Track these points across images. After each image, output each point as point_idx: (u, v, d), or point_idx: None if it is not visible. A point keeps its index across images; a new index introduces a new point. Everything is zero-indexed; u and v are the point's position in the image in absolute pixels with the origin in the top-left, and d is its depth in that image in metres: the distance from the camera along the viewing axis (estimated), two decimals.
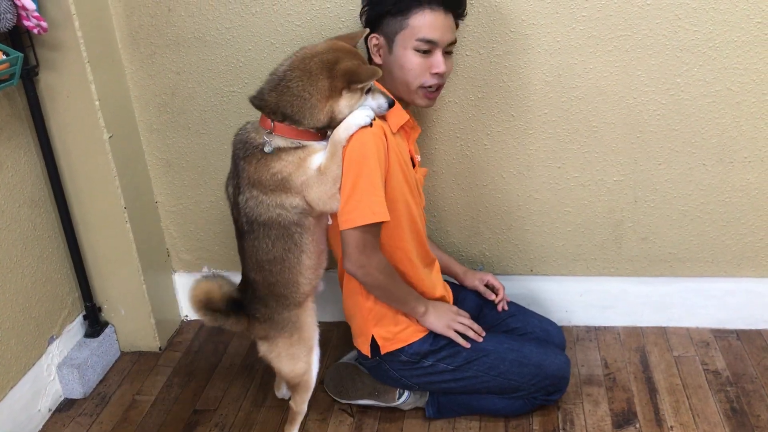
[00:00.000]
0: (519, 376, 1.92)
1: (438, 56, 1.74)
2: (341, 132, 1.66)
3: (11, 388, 2.00)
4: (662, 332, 2.32)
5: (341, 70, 1.62)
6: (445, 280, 2.13)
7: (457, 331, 1.90)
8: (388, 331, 1.90)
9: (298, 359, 1.86)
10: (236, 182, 1.72)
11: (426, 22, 1.71)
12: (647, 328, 2.34)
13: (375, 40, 1.79)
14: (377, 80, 1.79)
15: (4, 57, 1.72)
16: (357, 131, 1.65)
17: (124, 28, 2.13)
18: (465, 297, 2.12)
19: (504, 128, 2.12)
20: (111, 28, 2.12)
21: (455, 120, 2.12)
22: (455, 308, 1.95)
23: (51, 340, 2.17)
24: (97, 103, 2.05)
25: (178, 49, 2.15)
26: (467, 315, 1.95)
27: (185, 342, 2.48)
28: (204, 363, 2.36)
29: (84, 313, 2.32)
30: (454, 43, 1.77)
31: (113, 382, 2.30)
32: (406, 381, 1.96)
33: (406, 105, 1.86)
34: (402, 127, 1.84)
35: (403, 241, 1.83)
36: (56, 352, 2.20)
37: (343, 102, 1.65)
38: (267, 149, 1.66)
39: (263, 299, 1.81)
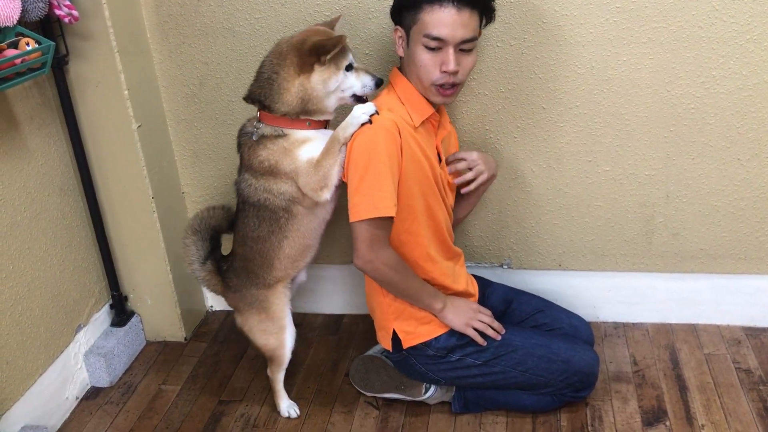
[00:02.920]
0: (547, 372, 1.89)
1: (448, 54, 1.69)
2: (340, 131, 1.70)
3: (40, 375, 2.01)
4: (692, 329, 2.29)
5: (308, 45, 1.67)
6: (472, 275, 2.11)
7: (476, 330, 1.88)
8: (410, 325, 1.89)
9: (269, 335, 1.97)
10: (239, 165, 1.85)
11: (434, 19, 1.67)
12: (677, 325, 2.31)
13: (398, 32, 1.77)
14: (399, 69, 1.79)
15: (36, 45, 1.71)
16: (366, 126, 1.66)
17: (153, 18, 2.13)
18: (493, 291, 2.10)
19: (534, 121, 2.09)
20: (140, 17, 2.12)
21: (484, 112, 2.10)
22: (475, 305, 1.92)
23: (78, 328, 2.18)
24: (126, 92, 2.05)
25: (206, 39, 2.14)
26: (488, 312, 1.92)
27: (210, 332, 2.49)
28: (229, 353, 2.36)
29: (111, 302, 2.33)
30: (472, 40, 1.71)
31: (139, 372, 2.31)
32: (433, 375, 1.95)
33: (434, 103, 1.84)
34: (428, 120, 1.83)
35: (420, 236, 1.81)
36: (83, 340, 2.21)
37: (315, 78, 1.68)
38: (254, 137, 1.77)
39: (236, 271, 1.95)
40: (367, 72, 1.76)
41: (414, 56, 1.74)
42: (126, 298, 2.37)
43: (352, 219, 1.69)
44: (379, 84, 1.77)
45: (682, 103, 2.00)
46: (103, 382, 2.24)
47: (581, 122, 2.07)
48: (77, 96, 2.07)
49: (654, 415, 1.96)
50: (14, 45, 1.70)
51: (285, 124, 1.75)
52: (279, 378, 2.05)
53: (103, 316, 2.31)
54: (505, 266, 2.33)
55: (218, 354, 2.37)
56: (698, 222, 2.15)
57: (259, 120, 1.79)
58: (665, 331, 2.29)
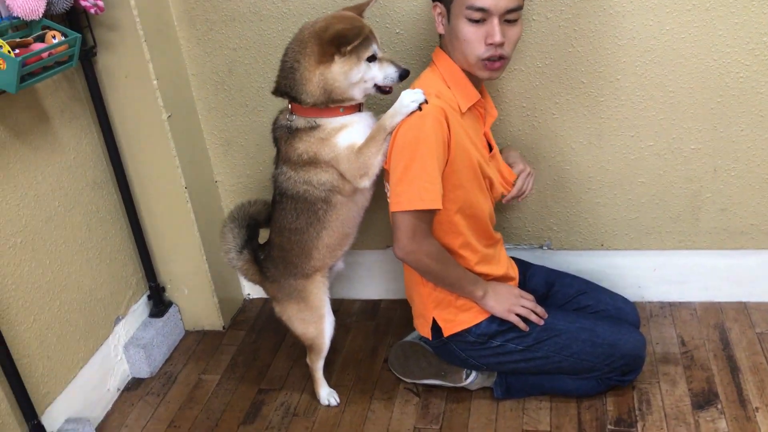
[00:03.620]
0: (592, 356, 1.84)
1: (493, 25, 1.61)
2: (387, 119, 1.65)
3: (81, 368, 2.02)
4: (743, 308, 2.20)
5: (329, 34, 1.60)
6: (512, 257, 2.06)
7: (519, 315, 1.82)
8: (450, 313, 1.84)
9: (308, 324, 1.96)
10: (276, 157, 1.81)
11: None
12: (726, 303, 2.22)
13: (438, 8, 1.71)
14: (443, 50, 1.72)
15: (63, 38, 1.69)
16: (415, 113, 1.60)
17: (179, 6, 2.09)
18: (534, 274, 2.05)
19: (573, 96, 2.01)
20: (166, 5, 2.09)
21: (521, 88, 2.03)
22: (517, 290, 1.87)
23: (117, 320, 2.19)
24: (155, 82, 2.03)
25: (234, 25, 2.10)
26: (530, 297, 1.87)
27: (248, 320, 2.48)
28: (267, 342, 2.35)
29: (148, 293, 2.33)
30: (517, 9, 1.63)
31: (179, 362, 2.31)
32: (474, 362, 1.90)
33: (478, 83, 1.77)
34: (474, 107, 1.76)
35: (461, 225, 1.76)
36: (122, 332, 2.21)
37: (336, 68, 1.62)
38: (289, 132, 1.73)
39: (274, 261, 1.93)
40: (392, 62, 1.68)
41: (457, 31, 1.67)
42: (163, 289, 2.37)
43: (393, 208, 1.64)
44: (403, 76, 1.68)
45: (729, 72, 1.90)
46: (144, 372, 2.24)
47: (623, 96, 1.98)
48: (107, 88, 2.05)
49: (704, 397, 1.89)
50: (41, 39, 1.68)
51: (317, 113, 1.69)
52: (318, 366, 2.03)
53: (141, 308, 2.31)
54: (545, 247, 2.27)
55: (256, 342, 2.36)
56: (748, 196, 2.06)
57: (291, 112, 1.74)
58: (714, 310, 2.21)
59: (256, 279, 2.01)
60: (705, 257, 2.17)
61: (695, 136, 2.00)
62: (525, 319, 1.84)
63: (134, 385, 2.23)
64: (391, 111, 1.63)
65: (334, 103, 1.69)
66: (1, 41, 1.52)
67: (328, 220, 1.80)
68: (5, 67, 1.53)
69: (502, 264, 1.93)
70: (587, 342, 1.84)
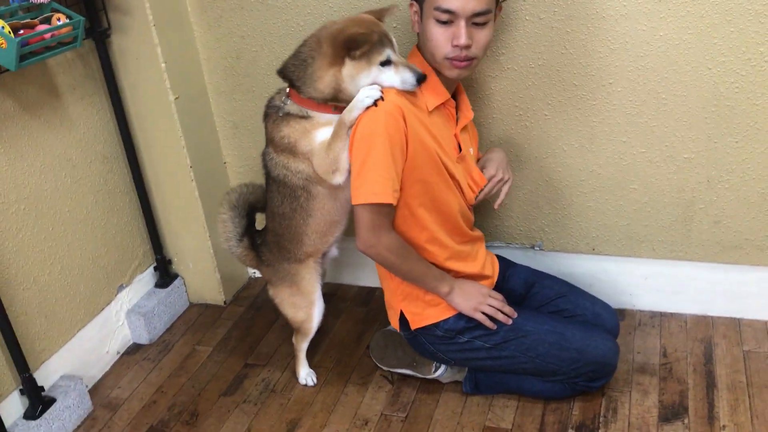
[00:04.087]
0: (558, 360, 1.84)
1: (459, 27, 1.63)
2: (346, 113, 1.68)
3: (79, 329, 2.16)
4: (735, 324, 2.14)
5: (342, 37, 1.64)
6: (498, 256, 2.07)
7: (485, 314, 1.84)
8: (418, 306, 1.88)
9: (298, 308, 2.02)
10: (265, 136, 1.86)
11: None
12: (718, 318, 2.17)
13: (414, 7, 1.74)
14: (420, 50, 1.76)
15: (67, 20, 1.81)
16: (371, 109, 1.64)
17: None
18: (514, 273, 2.05)
19: (565, 98, 2.00)
20: None
21: (514, 88, 2.03)
22: (485, 289, 1.88)
23: (120, 288, 2.32)
24: (163, 65, 2.13)
25: (242, 13, 2.18)
26: (499, 297, 1.88)
27: (250, 297, 2.58)
28: (263, 319, 2.44)
29: (155, 264, 2.45)
30: (485, 13, 1.64)
31: (178, 332, 2.43)
32: (442, 356, 1.94)
33: (452, 84, 1.80)
34: (444, 107, 1.79)
35: (426, 221, 1.79)
36: (126, 299, 2.35)
37: (346, 71, 1.66)
38: (280, 113, 1.77)
39: (269, 245, 1.99)
40: (409, 67, 1.68)
41: (426, 31, 1.70)
42: (170, 262, 2.49)
43: (353, 202, 1.69)
44: (421, 80, 1.68)
45: (724, 82, 1.85)
46: (143, 339, 2.37)
47: (615, 100, 1.96)
48: (120, 68, 2.17)
49: (673, 410, 1.86)
50: (47, 20, 1.80)
51: (311, 106, 1.74)
52: (302, 348, 2.10)
53: (147, 278, 2.44)
54: (536, 248, 2.26)
55: (253, 319, 2.46)
56: (742, 210, 2.00)
57: (288, 96, 1.79)
58: (705, 324, 2.16)
59: (254, 264, 2.09)
60: (698, 269, 2.13)
61: (688, 145, 1.96)
62: (493, 319, 1.85)
63: (133, 349, 2.36)
64: (348, 106, 1.67)
65: (334, 101, 1.72)
66: (2, 22, 1.64)
67: (312, 208, 1.86)
68: (6, 46, 1.65)
69: (478, 262, 1.95)
70: (554, 345, 1.84)
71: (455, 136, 1.83)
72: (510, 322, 1.86)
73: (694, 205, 2.04)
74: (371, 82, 1.68)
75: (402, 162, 1.68)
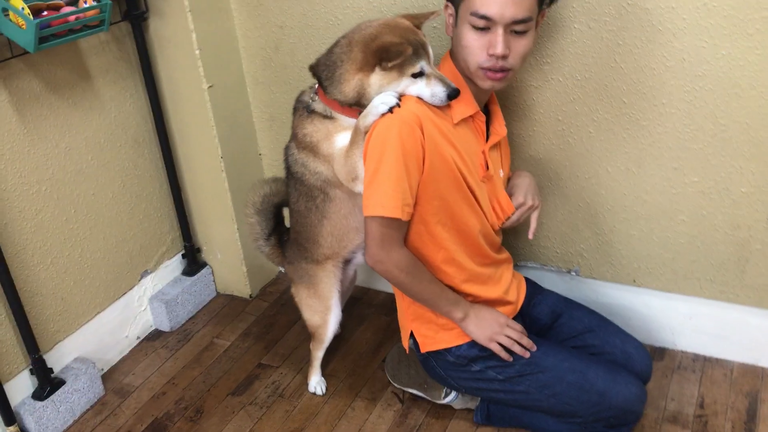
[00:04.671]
0: (576, 402, 1.69)
1: (495, 35, 1.50)
2: (361, 119, 1.58)
3: (97, 313, 2.16)
4: None
5: (375, 45, 1.54)
6: (527, 279, 1.93)
7: (502, 344, 1.71)
8: (430, 329, 1.77)
9: (314, 312, 1.95)
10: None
11: None
12: None
13: (449, 9, 1.61)
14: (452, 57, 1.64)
15: (94, 3, 1.78)
16: (387, 116, 1.53)
17: None
18: (541, 301, 1.90)
19: (613, 116, 1.83)
20: None
21: (557, 100, 1.87)
22: (503, 318, 1.74)
23: (145, 274, 2.31)
24: (197, 52, 2.08)
25: (282, 3, 2.10)
26: (518, 327, 1.73)
27: (276, 293, 2.52)
28: (285, 317, 2.38)
29: (183, 252, 2.43)
30: (526, 21, 1.50)
31: (201, 321, 2.41)
32: (453, 382, 1.82)
33: (484, 96, 1.67)
34: (473, 121, 1.66)
35: (444, 240, 1.66)
36: (150, 285, 2.33)
37: (374, 79, 1.56)
38: (307, 110, 1.69)
39: (291, 243, 1.94)
40: (441, 81, 1.56)
41: (460, 37, 1.57)
42: (199, 250, 2.47)
43: (364, 213, 1.59)
44: (452, 96, 1.56)
45: None
46: (165, 326, 2.36)
47: (667, 122, 1.78)
48: (156, 52, 2.14)
49: None
50: (74, 2, 1.77)
51: (335, 107, 1.65)
52: (317, 355, 2.03)
53: (174, 265, 2.42)
54: (573, 273, 2.10)
55: (275, 316, 2.40)
56: None
57: (316, 93, 1.71)
58: (753, 374, 1.95)
59: (280, 261, 2.04)
60: (750, 315, 1.92)
61: (748, 178, 1.75)
62: (511, 350, 1.72)
63: (154, 336, 2.35)
64: (364, 112, 1.57)
65: (358, 106, 1.63)
66: (21, 2, 1.61)
67: (328, 210, 1.77)
68: (25, 27, 1.63)
69: (500, 286, 1.81)
70: (574, 385, 1.69)
71: (483, 153, 1.69)
72: (527, 355, 1.73)
73: (750, 244, 1.83)
74: (400, 92, 1.57)
75: (417, 174, 1.57)
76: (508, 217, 1.78)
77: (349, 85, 1.60)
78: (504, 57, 1.52)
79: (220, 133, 2.21)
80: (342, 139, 1.65)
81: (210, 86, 2.14)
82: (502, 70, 1.55)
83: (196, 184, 2.34)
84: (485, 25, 1.51)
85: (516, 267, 2.15)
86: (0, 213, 1.81)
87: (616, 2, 1.69)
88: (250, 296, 2.50)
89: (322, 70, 1.66)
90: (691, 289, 1.96)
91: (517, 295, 1.87)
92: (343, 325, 2.29)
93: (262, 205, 1.99)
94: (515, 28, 1.51)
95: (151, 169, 2.26)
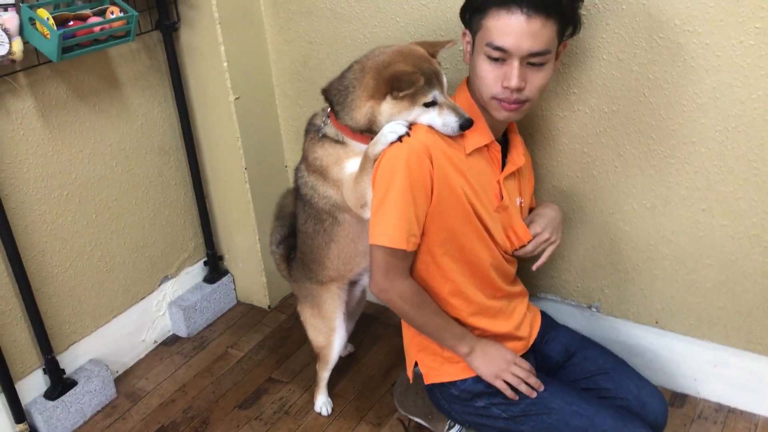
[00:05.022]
0: None
1: (511, 67, 1.45)
2: (370, 147, 1.55)
3: (115, 316, 2.18)
4: None
5: (387, 73, 1.50)
6: (543, 313, 1.87)
7: (508, 382, 1.65)
8: (434, 361, 1.73)
9: (319, 332, 1.93)
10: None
11: (499, 26, 1.43)
12: None
13: (466, 37, 1.56)
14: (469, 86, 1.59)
15: (121, 14, 1.79)
16: (396, 145, 1.50)
17: None
18: (554, 338, 1.83)
19: (640, 151, 1.75)
20: None
21: (583, 132, 1.81)
22: (510, 354, 1.69)
23: (164, 279, 2.33)
24: (225, 64, 2.09)
25: (311, 19, 2.09)
26: (526, 365, 1.68)
27: (294, 305, 2.50)
28: (299, 332, 2.32)
29: (205, 259, 2.45)
30: (543, 53, 1.45)
31: (218, 329, 2.42)
32: (456, 416, 1.77)
33: (502, 126, 1.63)
34: (487, 150, 1.61)
35: (451, 272, 1.62)
36: (170, 290, 2.35)
37: (385, 107, 1.52)
38: (319, 133, 1.67)
39: (297, 261, 1.92)
40: (454, 111, 1.52)
41: (476, 66, 1.53)
42: (221, 258, 2.48)
43: (369, 241, 1.56)
44: (465, 126, 1.52)
45: None
46: (182, 332, 2.38)
47: (697, 162, 1.69)
48: (187, 62, 2.15)
49: None
50: (102, 12, 1.79)
51: (346, 133, 1.63)
52: (323, 376, 2.01)
53: (196, 271, 2.44)
54: (593, 309, 2.03)
55: (290, 330, 2.39)
56: None
57: (328, 116, 1.69)
58: None
59: (286, 276, 2.03)
60: None
61: None
62: (515, 388, 1.67)
63: (171, 341, 2.37)
64: (374, 140, 1.54)
65: (369, 133, 1.61)
66: (47, 13, 1.64)
67: (336, 234, 1.75)
68: (49, 37, 1.66)
69: (512, 321, 1.75)
70: (579, 429, 1.62)
71: (498, 183, 1.64)
72: (534, 395, 1.67)
73: None
74: (411, 121, 1.54)
75: (425, 205, 1.53)
76: (523, 246, 1.72)
77: (360, 111, 1.57)
78: (519, 90, 1.47)
79: (244, 144, 2.21)
80: (352, 165, 1.63)
81: (237, 98, 2.15)
82: (518, 101, 1.50)
83: (220, 193, 2.35)
84: (501, 56, 1.46)
85: (535, 299, 2.09)
86: (20, 216, 1.85)
87: (647, 34, 1.62)
88: (269, 307, 2.49)
89: (334, 95, 1.63)
90: (717, 335, 1.87)
91: (530, 330, 1.81)
92: (357, 344, 2.27)
93: (279, 213, 1.98)
94: (532, 60, 1.46)
95: (176, 176, 2.28)
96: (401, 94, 1.49)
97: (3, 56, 1.62)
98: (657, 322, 1.94)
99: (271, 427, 2.00)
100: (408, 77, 1.48)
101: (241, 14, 2.10)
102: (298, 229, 1.87)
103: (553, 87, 1.79)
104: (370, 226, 1.56)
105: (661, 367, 1.97)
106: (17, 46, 1.64)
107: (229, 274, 2.49)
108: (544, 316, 1.88)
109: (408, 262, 1.60)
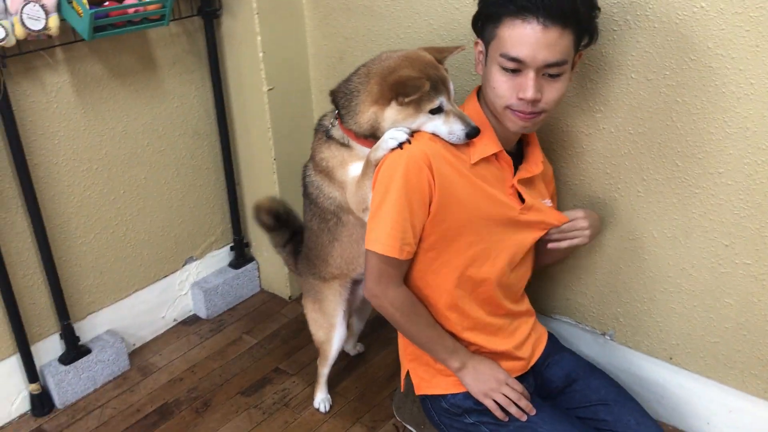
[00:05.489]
0: None
1: (527, 78, 1.40)
2: (372, 153, 1.53)
3: (135, 291, 2.24)
4: None
5: (392, 78, 1.48)
6: (550, 334, 1.81)
7: (497, 402, 1.61)
8: (426, 372, 1.70)
9: (319, 327, 1.94)
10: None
11: (514, 35, 1.38)
12: None
13: (478, 46, 1.52)
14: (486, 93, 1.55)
15: None
16: (396, 152, 1.48)
17: None
18: (556, 362, 1.76)
19: (664, 177, 1.67)
20: None
21: (607, 152, 1.73)
22: (503, 374, 1.63)
23: (189, 260, 2.38)
24: (260, 54, 2.11)
25: (348, 15, 2.09)
26: (518, 387, 1.62)
27: None
28: None
29: (231, 244, 2.48)
30: (560, 64, 1.39)
31: (237, 314, 2.45)
32: (445, 429, 1.73)
33: (511, 135, 1.58)
34: (497, 159, 1.56)
35: (450, 283, 1.58)
36: (194, 271, 2.40)
37: (389, 113, 1.50)
38: (326, 134, 1.66)
39: (302, 256, 1.92)
40: (461, 119, 1.49)
41: (489, 77, 1.49)
42: (248, 245, 2.51)
43: (365, 246, 1.55)
44: (471, 135, 1.48)
45: None
46: (202, 313, 2.43)
47: (722, 194, 1.59)
48: (225, 49, 2.19)
49: None
50: None
51: (351, 137, 1.62)
52: (323, 372, 2.01)
53: (222, 255, 2.48)
54: (608, 337, 1.95)
55: (305, 323, 2.38)
56: None
57: (336, 118, 1.67)
58: None
59: (293, 270, 2.04)
60: None
61: None
62: (507, 410, 1.62)
63: (191, 321, 2.42)
64: (375, 145, 1.52)
65: (374, 138, 1.59)
66: None
67: (340, 234, 1.75)
68: (82, 15, 1.71)
69: (511, 340, 1.70)
70: None
71: (513, 186, 1.59)
72: (524, 418, 1.61)
73: None
74: (415, 128, 1.51)
75: (422, 214, 1.50)
76: (558, 228, 1.65)
77: (363, 116, 1.55)
78: (535, 101, 1.42)
79: (275, 135, 2.23)
80: (356, 169, 1.61)
81: (270, 89, 2.17)
82: (533, 113, 1.45)
83: (251, 181, 2.38)
84: (516, 67, 1.41)
85: (549, 319, 2.03)
86: (48, 185, 1.92)
87: (679, 56, 1.53)
88: (289, 298, 2.51)
89: (341, 98, 1.61)
90: (733, 380, 1.76)
91: (532, 351, 1.75)
92: (367, 345, 2.26)
93: (271, 217, 1.97)
94: (548, 71, 1.41)
95: (208, 161, 2.32)
96: (406, 100, 1.47)
97: (39, 31, 1.69)
98: (671, 358, 1.85)
99: (268, 417, 2.01)
100: (413, 83, 1.45)
101: (281, 6, 2.12)
102: (304, 224, 1.87)
103: (578, 103, 1.72)
104: (367, 230, 1.54)
105: (672, 405, 1.87)
106: (53, 22, 1.70)
107: (254, 262, 2.52)
108: (551, 338, 1.82)
109: (401, 270, 1.57)
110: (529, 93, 1.42)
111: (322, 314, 1.92)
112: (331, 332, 1.92)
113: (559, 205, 1.85)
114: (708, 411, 1.83)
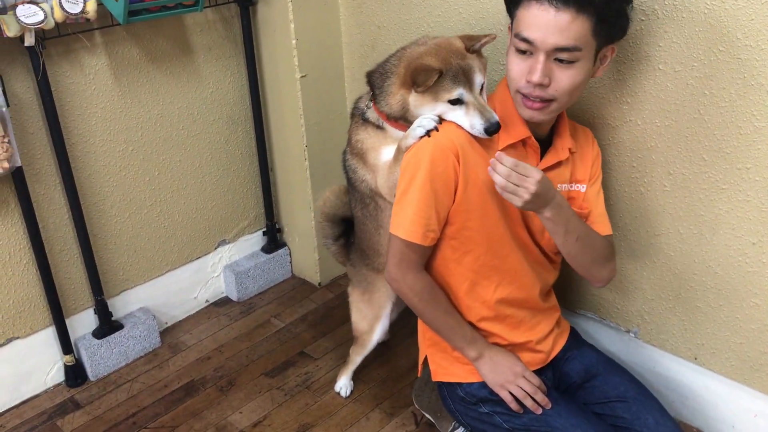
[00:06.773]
0: None
1: (536, 61, 1.39)
2: (402, 140, 1.54)
3: (168, 270, 2.31)
4: None
5: (413, 66, 1.49)
6: (572, 329, 1.79)
7: (513, 394, 1.60)
8: (445, 359, 1.70)
9: (363, 317, 1.92)
10: None
11: (527, 16, 1.38)
12: None
13: (510, 31, 1.51)
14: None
15: None
16: (424, 140, 1.49)
17: None
18: (576, 357, 1.74)
19: (691, 172, 1.63)
20: None
21: (633, 145, 1.70)
22: (520, 367, 1.62)
23: (222, 243, 2.43)
24: (293, 42, 2.14)
25: (381, 4, 2.10)
26: (535, 380, 1.61)
27: (344, 285, 2.52)
28: (341, 312, 2.40)
29: (264, 229, 2.53)
30: (571, 50, 1.37)
31: (267, 298, 2.50)
32: (460, 417, 1.74)
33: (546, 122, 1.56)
34: (525, 145, 1.55)
35: (472, 272, 1.58)
36: (226, 254, 2.46)
37: (412, 98, 1.52)
38: (362, 117, 1.67)
39: (355, 246, 1.91)
40: (482, 112, 1.47)
41: (507, 59, 1.49)
42: (280, 230, 2.55)
43: (389, 229, 1.57)
44: (491, 131, 1.47)
45: None
46: (233, 295, 2.48)
47: (750, 190, 1.54)
48: (261, 37, 2.23)
49: None
50: None
51: (384, 119, 1.63)
52: (355, 360, 2.02)
53: (255, 240, 2.53)
54: (632, 334, 1.91)
55: (334, 309, 2.43)
56: None
57: (371, 100, 1.69)
58: None
59: (343, 261, 2.03)
60: None
61: None
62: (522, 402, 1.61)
63: (222, 303, 2.48)
64: (405, 133, 1.53)
65: (405, 122, 1.60)
66: None
67: (382, 219, 1.74)
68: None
69: (534, 333, 1.68)
70: None
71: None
72: (539, 411, 1.60)
73: None
74: (440, 116, 1.51)
75: (447, 201, 1.51)
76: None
77: (393, 98, 1.57)
78: (541, 85, 1.41)
79: (307, 122, 2.26)
80: (388, 152, 1.62)
81: (303, 76, 2.19)
82: (542, 99, 1.43)
83: (284, 168, 2.42)
84: (527, 48, 1.41)
85: (573, 314, 2.00)
86: (85, 164, 1.99)
87: (707, 47, 1.49)
88: (319, 284, 2.54)
89: (376, 78, 1.63)
90: (759, 383, 1.70)
91: (552, 345, 1.74)
92: (393, 333, 2.27)
93: (330, 219, 1.97)
94: (559, 56, 1.39)
95: (242, 146, 2.36)
96: (419, 89, 1.48)
97: (76, 14, 1.75)
98: (696, 359, 1.80)
99: (290, 398, 2.05)
100: (426, 73, 1.45)
101: None
102: (353, 214, 1.87)
103: (605, 94, 1.69)
104: (392, 214, 1.55)
105: (697, 407, 1.83)
106: (91, 5, 1.76)
107: (286, 247, 2.56)
108: (572, 332, 1.80)
109: (423, 256, 1.58)
110: (536, 76, 1.40)
111: (369, 305, 1.91)
112: (375, 324, 1.91)
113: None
114: (733, 415, 1.78)
